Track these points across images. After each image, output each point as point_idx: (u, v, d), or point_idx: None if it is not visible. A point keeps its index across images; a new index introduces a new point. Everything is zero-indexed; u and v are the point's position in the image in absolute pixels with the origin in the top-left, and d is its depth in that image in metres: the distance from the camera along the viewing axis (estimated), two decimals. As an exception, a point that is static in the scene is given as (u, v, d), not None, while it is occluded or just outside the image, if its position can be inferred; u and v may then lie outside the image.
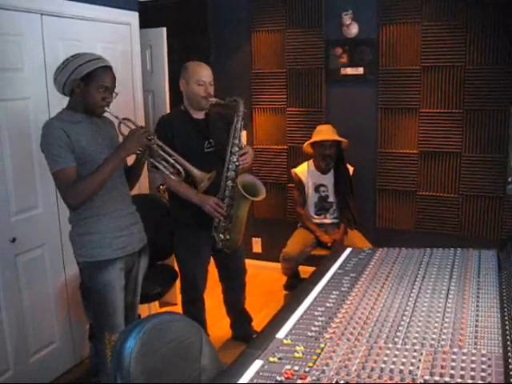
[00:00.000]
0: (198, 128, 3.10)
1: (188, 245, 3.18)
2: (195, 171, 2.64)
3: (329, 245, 3.97)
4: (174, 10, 4.81)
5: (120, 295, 2.51)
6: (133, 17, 3.68)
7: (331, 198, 4.12)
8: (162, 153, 2.52)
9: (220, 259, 3.35)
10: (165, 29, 3.98)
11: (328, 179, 4.11)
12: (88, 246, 2.43)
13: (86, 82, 2.32)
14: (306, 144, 4.10)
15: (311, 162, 4.19)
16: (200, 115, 3.14)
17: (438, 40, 3.98)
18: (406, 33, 4.08)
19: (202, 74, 3.03)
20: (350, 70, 4.31)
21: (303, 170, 4.19)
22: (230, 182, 3.01)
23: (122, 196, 2.53)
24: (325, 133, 4.00)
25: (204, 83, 3.02)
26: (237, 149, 3.00)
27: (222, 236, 3.09)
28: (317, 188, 4.14)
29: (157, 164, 2.54)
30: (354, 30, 4.20)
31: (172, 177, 2.57)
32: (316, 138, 4.02)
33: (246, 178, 3.04)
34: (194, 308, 3.33)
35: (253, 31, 4.60)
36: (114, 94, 2.43)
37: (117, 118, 2.47)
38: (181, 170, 2.55)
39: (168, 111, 4.04)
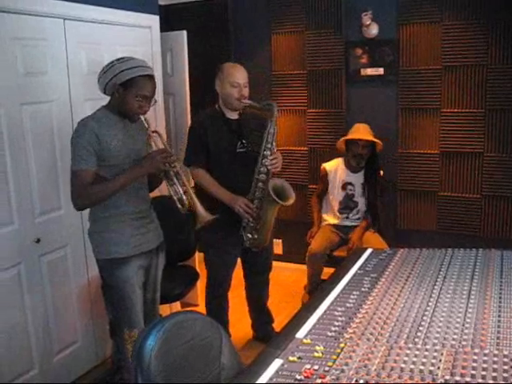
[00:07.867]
0: (231, 128, 3.13)
1: (217, 246, 3.21)
2: (200, 208, 2.57)
3: (310, 238, 4.07)
4: (195, 13, 4.85)
5: (138, 292, 2.56)
6: (153, 20, 3.72)
7: (356, 198, 4.08)
8: (175, 180, 2.51)
9: (249, 256, 3.34)
10: (185, 32, 4.02)
11: (357, 178, 4.05)
12: (106, 244, 2.48)
13: (125, 88, 2.35)
14: (340, 141, 4.05)
15: (342, 159, 4.15)
16: (234, 115, 3.17)
17: (459, 39, 3.95)
18: (426, 32, 4.05)
19: (237, 76, 3.05)
20: (370, 71, 4.30)
21: (333, 166, 4.13)
22: (260, 183, 3.02)
23: (139, 196, 2.56)
24: (361, 132, 3.94)
25: (238, 85, 3.04)
26: (269, 152, 3.02)
27: (249, 235, 3.12)
28: (344, 186, 4.09)
29: (168, 186, 2.54)
30: (373, 30, 4.18)
31: (178, 204, 2.53)
32: (351, 135, 3.97)
33: (276, 182, 3.06)
34: (218, 305, 3.37)
35: (273, 33, 4.62)
36: (152, 101, 2.45)
37: (147, 129, 2.46)
38: (185, 202, 2.52)
39: (189, 114, 4.08)
